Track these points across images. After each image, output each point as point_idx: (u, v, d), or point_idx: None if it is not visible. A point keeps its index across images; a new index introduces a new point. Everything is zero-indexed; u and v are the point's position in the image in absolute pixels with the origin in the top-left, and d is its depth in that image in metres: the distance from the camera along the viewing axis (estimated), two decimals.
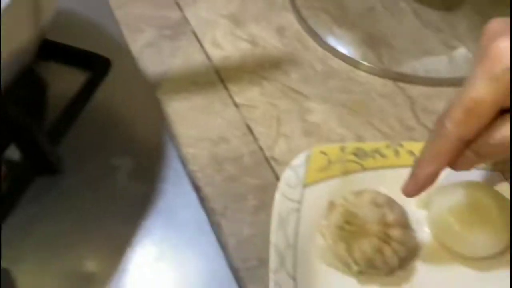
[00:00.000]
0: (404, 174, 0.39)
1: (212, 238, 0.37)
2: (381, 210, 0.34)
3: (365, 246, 0.33)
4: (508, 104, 0.31)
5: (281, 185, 0.37)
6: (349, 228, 0.33)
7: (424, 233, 0.38)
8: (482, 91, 0.31)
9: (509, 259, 0.37)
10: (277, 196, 0.37)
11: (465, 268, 0.36)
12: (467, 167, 0.33)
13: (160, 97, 0.48)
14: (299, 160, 0.39)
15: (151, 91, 0.48)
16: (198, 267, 0.36)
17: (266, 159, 0.44)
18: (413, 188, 0.34)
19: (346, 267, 0.35)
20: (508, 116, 0.31)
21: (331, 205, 0.34)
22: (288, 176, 0.38)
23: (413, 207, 0.39)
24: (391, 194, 0.38)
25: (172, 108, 0.47)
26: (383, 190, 0.39)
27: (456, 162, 0.33)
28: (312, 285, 0.35)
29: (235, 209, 0.40)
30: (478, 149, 0.32)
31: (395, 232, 0.33)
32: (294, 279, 0.34)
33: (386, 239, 0.33)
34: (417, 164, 0.34)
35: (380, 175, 0.40)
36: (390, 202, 0.35)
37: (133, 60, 0.51)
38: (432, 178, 0.33)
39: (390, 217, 0.33)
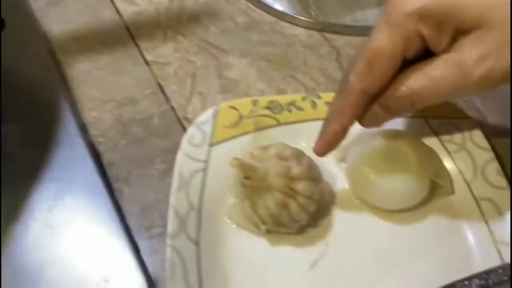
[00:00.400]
0: None
1: (111, 207, 0.34)
2: (286, 163, 0.31)
3: (269, 201, 0.30)
4: (411, 53, 0.29)
5: (184, 144, 0.34)
6: (249, 183, 0.29)
7: (341, 187, 0.35)
8: (381, 40, 0.29)
9: (427, 211, 0.34)
10: (179, 156, 0.33)
11: (383, 223, 0.34)
12: (376, 123, 0.31)
13: (63, 58, 0.43)
14: (204, 117, 0.35)
15: (52, 52, 0.44)
16: (96, 238, 0.33)
17: (178, 119, 0.40)
18: (322, 146, 0.32)
19: (255, 227, 0.32)
20: (414, 68, 0.29)
21: (233, 161, 0.30)
22: (192, 134, 0.34)
23: (332, 161, 0.37)
24: (309, 148, 0.35)
25: (76, 69, 0.43)
26: (302, 145, 0.36)
27: (363, 117, 0.31)
28: (219, 249, 0.32)
29: (140, 174, 0.37)
30: (384, 103, 0.30)
31: (301, 186, 0.30)
32: (196, 243, 0.31)
33: (291, 193, 0.30)
34: (324, 122, 0.32)
35: (297, 129, 0.37)
36: (298, 155, 0.32)
37: (32, 19, 0.46)
38: (339, 135, 0.31)
39: (295, 170, 0.30)
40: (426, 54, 0.29)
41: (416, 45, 0.29)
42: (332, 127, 0.31)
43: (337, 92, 0.32)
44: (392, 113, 0.31)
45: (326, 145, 0.32)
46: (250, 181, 0.29)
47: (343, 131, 0.31)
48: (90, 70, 0.43)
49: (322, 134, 0.32)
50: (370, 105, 0.31)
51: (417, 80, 0.29)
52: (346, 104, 0.31)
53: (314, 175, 0.31)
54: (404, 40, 0.28)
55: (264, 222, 0.31)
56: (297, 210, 0.30)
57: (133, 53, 0.44)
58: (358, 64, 0.29)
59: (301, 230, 0.33)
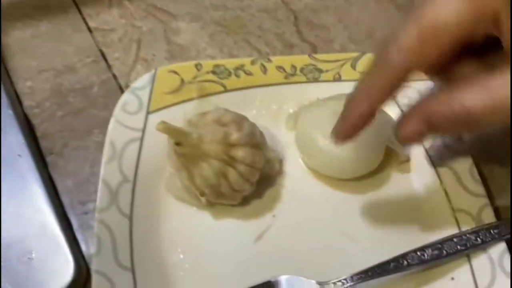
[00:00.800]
0: (274, 93, 0.35)
1: (41, 181, 0.32)
2: (224, 129, 0.28)
3: (205, 170, 0.27)
4: (479, 38, 0.23)
5: (117, 112, 0.31)
6: (181, 150, 0.27)
7: (291, 157, 0.33)
8: (444, 8, 0.22)
9: (382, 180, 0.32)
10: (111, 124, 0.31)
11: (335, 192, 0.32)
12: (414, 138, 0.24)
13: None
14: (140, 82, 0.32)
15: None
16: (23, 213, 0.31)
17: (120, 88, 0.37)
18: (344, 131, 0.26)
19: (195, 199, 0.30)
20: (477, 77, 0.22)
21: (159, 125, 0.27)
22: (126, 101, 0.32)
23: (282, 129, 0.35)
24: (259, 117, 0.33)
25: (12, 37, 0.39)
26: (253, 113, 0.34)
27: (402, 126, 0.24)
28: (156, 223, 0.30)
29: (76, 146, 0.34)
30: (428, 117, 0.23)
31: (240, 153, 0.27)
32: (129, 218, 0.29)
33: (229, 161, 0.28)
34: (348, 102, 0.26)
35: (246, 96, 0.34)
36: (240, 121, 0.29)
37: None
38: (366, 118, 0.25)
39: (234, 135, 0.28)
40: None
41: (487, 29, 0.23)
42: (359, 108, 0.25)
43: (369, 68, 0.25)
44: (437, 132, 0.25)
45: (349, 129, 0.25)
46: (182, 148, 0.27)
47: (371, 114, 0.25)
48: (28, 38, 0.40)
49: (345, 116, 0.26)
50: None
51: (480, 98, 0.22)
52: (380, 82, 0.24)
53: (256, 142, 0.29)
54: (476, 14, 0.22)
55: (202, 193, 0.28)
56: (237, 179, 0.28)
57: (75, 20, 0.41)
58: (405, 36, 0.23)
59: (245, 201, 0.31)
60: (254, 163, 0.28)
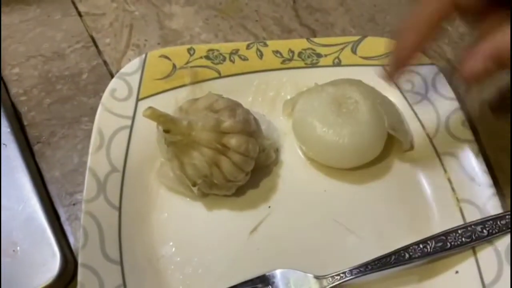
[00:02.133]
0: (270, 78, 0.33)
1: (28, 171, 0.31)
2: (216, 116, 0.26)
3: (197, 159, 0.26)
4: None
5: (105, 99, 0.30)
6: (170, 138, 0.25)
7: (288, 145, 0.31)
8: None
9: (383, 170, 0.31)
10: (99, 111, 0.29)
11: (334, 182, 0.30)
12: (480, 75, 0.23)
13: None
14: (130, 67, 0.31)
15: None
16: (10, 207, 0.29)
17: (111, 75, 0.36)
18: (392, 65, 0.26)
19: (188, 190, 0.29)
20: None
21: (145, 111, 0.25)
22: (114, 87, 0.30)
23: (280, 117, 0.33)
24: (255, 104, 0.32)
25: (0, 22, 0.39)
26: (248, 100, 0.32)
27: (469, 63, 0.23)
28: (147, 215, 0.29)
29: (64, 135, 0.33)
30: (497, 50, 0.22)
31: (233, 141, 0.26)
32: (118, 209, 0.28)
33: (222, 149, 0.26)
34: (398, 35, 0.26)
35: (241, 82, 0.33)
36: (233, 107, 0.27)
37: None
38: (417, 48, 0.25)
39: (226, 123, 0.26)
40: None
41: None
42: (409, 38, 0.25)
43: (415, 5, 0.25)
44: (506, 67, 0.23)
45: (397, 62, 0.26)
46: (172, 135, 0.25)
47: (421, 45, 0.25)
48: (16, 24, 0.38)
49: (394, 50, 0.26)
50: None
51: None
52: (431, 10, 0.24)
53: (251, 130, 0.27)
54: None
55: (194, 184, 0.27)
56: (230, 169, 0.26)
57: (64, 4, 0.39)
58: None
59: (239, 192, 0.29)
60: (248, 152, 0.27)
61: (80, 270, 0.25)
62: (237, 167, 0.27)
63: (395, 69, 0.26)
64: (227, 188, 0.28)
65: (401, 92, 0.32)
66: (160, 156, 0.30)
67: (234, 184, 0.28)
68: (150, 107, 0.25)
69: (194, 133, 0.26)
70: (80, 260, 0.26)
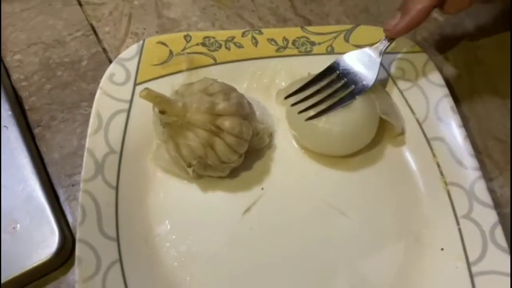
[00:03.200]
0: (265, 66, 0.34)
1: (28, 153, 0.31)
2: (210, 99, 0.27)
3: (191, 140, 0.27)
4: None
5: (104, 83, 0.31)
6: (166, 119, 0.26)
7: (281, 130, 0.32)
8: None
9: (375, 156, 0.31)
10: (97, 95, 0.30)
11: (326, 169, 0.31)
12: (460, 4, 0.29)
13: None
14: (128, 53, 0.32)
15: None
16: (11, 186, 0.30)
17: (109, 62, 0.36)
18: (403, 24, 0.29)
19: (183, 171, 0.30)
20: None
21: (142, 92, 0.26)
22: (113, 72, 0.31)
23: (274, 103, 0.34)
24: (250, 90, 0.33)
25: (1, 11, 0.39)
26: (243, 86, 0.33)
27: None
28: (143, 195, 0.29)
29: (64, 119, 0.34)
30: None
31: (227, 123, 0.27)
32: (115, 189, 0.28)
33: (216, 131, 0.27)
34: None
35: (237, 68, 0.34)
36: (227, 91, 0.28)
37: None
38: (426, 12, 0.28)
39: (221, 105, 0.27)
40: None
41: None
42: (421, 3, 0.28)
43: None
44: None
45: (410, 22, 0.29)
46: (167, 117, 0.26)
47: (431, 8, 0.28)
48: (18, 12, 0.39)
49: (406, 10, 0.29)
50: None
51: None
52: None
53: (244, 113, 0.28)
54: None
55: (190, 165, 0.28)
56: (224, 150, 0.27)
57: None
58: None
59: (233, 173, 0.30)
60: (242, 134, 0.28)
61: (77, 245, 0.26)
62: (230, 148, 0.27)
63: (403, 28, 0.29)
64: (221, 169, 0.29)
65: (392, 78, 0.33)
66: (156, 138, 0.31)
67: (228, 165, 0.28)
68: (146, 88, 0.26)
69: (189, 114, 0.26)
70: (78, 236, 0.27)
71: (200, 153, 0.27)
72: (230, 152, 0.28)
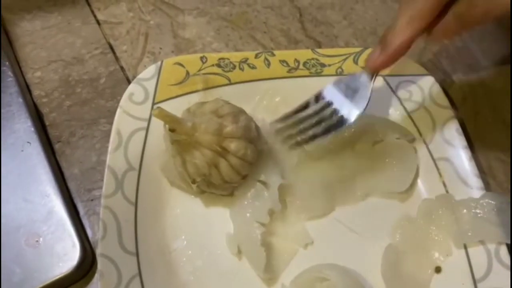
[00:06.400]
0: (277, 86, 0.35)
1: (49, 168, 0.32)
2: (219, 120, 0.28)
3: (197, 159, 0.28)
4: None
5: (123, 102, 0.32)
6: (175, 136, 0.27)
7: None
8: None
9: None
10: (118, 113, 0.31)
11: None
12: (445, 35, 0.28)
13: (9, 17, 0.41)
14: (147, 73, 0.33)
15: None
16: (31, 199, 0.31)
17: (127, 80, 0.38)
18: (383, 58, 0.29)
19: (188, 186, 0.31)
20: None
21: (155, 111, 0.27)
22: (132, 91, 0.32)
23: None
24: (260, 109, 0.34)
25: (22, 28, 0.40)
26: (254, 105, 0.34)
27: (434, 28, 0.28)
28: (158, 209, 0.30)
29: (83, 135, 0.35)
30: (460, 14, 0.26)
31: (232, 145, 0.28)
32: (134, 205, 0.30)
33: (222, 152, 0.28)
34: (389, 31, 0.28)
35: (250, 88, 0.35)
36: (237, 113, 0.29)
37: None
38: (406, 46, 0.28)
39: (229, 128, 0.28)
40: None
41: None
42: (402, 35, 0.28)
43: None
44: (466, 26, 0.27)
45: (389, 56, 0.28)
46: (177, 135, 0.27)
47: (411, 42, 0.28)
48: (38, 30, 0.40)
49: (385, 44, 0.28)
50: (442, 16, 0.27)
51: None
52: (420, 10, 0.27)
53: (251, 136, 0.29)
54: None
55: (194, 181, 0.29)
56: (228, 171, 0.28)
57: (83, 12, 0.42)
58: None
59: (235, 192, 0.31)
60: (246, 157, 0.29)
61: (99, 260, 0.27)
62: (234, 170, 0.29)
63: (385, 61, 0.29)
64: (223, 188, 0.30)
65: (400, 100, 0.35)
66: (166, 151, 0.32)
67: (230, 185, 0.30)
68: (158, 107, 0.27)
69: (197, 134, 0.28)
70: (99, 250, 0.28)
71: (205, 171, 0.28)
72: (234, 173, 0.29)
